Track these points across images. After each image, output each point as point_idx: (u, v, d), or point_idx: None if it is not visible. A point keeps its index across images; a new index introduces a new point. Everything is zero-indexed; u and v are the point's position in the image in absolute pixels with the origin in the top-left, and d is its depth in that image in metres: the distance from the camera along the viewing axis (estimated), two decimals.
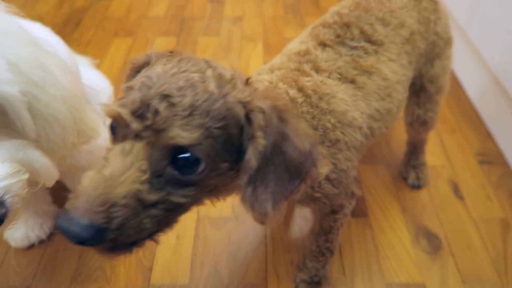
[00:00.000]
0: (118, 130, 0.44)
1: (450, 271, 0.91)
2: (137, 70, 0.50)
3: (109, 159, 0.42)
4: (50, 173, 0.60)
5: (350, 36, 0.70)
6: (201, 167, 0.43)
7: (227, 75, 0.47)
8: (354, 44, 0.69)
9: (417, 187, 1.06)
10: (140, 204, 0.41)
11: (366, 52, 0.69)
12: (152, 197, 0.42)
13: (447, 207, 1.03)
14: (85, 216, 0.39)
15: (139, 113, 0.41)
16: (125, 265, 0.90)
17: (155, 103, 0.41)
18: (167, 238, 0.95)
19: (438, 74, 0.86)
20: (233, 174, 0.47)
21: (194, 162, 0.42)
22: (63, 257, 0.92)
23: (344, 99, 0.63)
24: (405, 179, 1.08)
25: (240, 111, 0.45)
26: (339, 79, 0.65)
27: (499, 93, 1.18)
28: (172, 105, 0.41)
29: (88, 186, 0.41)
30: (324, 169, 0.51)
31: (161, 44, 1.57)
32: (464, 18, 1.32)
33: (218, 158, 0.44)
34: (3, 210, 0.50)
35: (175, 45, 1.57)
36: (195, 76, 0.44)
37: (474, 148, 1.19)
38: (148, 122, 0.41)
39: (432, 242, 0.96)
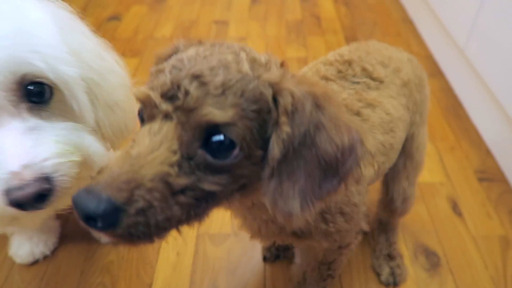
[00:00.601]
0: (146, 112, 0.41)
1: None
2: (164, 61, 0.47)
3: (136, 140, 0.39)
4: (103, 159, 0.59)
5: (352, 72, 0.69)
6: (236, 151, 0.39)
7: (262, 59, 0.44)
8: (356, 79, 0.68)
9: (392, 284, 0.91)
10: (168, 189, 0.37)
11: (369, 87, 0.68)
12: (181, 181, 0.38)
13: (446, 224, 1.03)
14: (105, 190, 0.35)
15: (169, 95, 0.39)
16: (126, 281, 0.92)
17: (185, 83, 0.38)
18: (167, 254, 0.97)
19: (423, 145, 0.83)
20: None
21: (228, 145, 0.39)
22: (66, 272, 0.94)
23: None
24: (378, 274, 0.93)
25: (269, 94, 0.40)
26: (345, 111, 0.65)
27: (498, 111, 1.20)
28: (203, 84, 0.38)
29: (113, 165, 0.37)
30: (369, 170, 0.45)
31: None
32: (463, 38, 1.34)
33: (253, 144, 0.40)
34: (47, 186, 0.49)
35: None
36: (229, 57, 0.41)
37: (473, 165, 1.19)
38: (179, 103, 0.38)
39: (431, 260, 0.96)
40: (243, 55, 0.42)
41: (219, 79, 0.39)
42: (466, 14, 1.31)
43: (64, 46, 0.55)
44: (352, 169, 0.42)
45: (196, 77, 0.39)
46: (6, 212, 0.50)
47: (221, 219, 1.05)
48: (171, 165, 0.37)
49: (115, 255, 0.97)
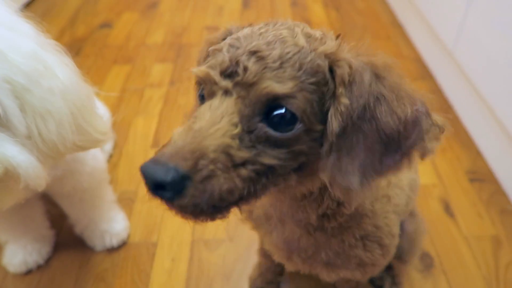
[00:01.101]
0: (206, 90, 0.42)
1: None
2: (217, 43, 0.47)
3: (197, 116, 0.40)
4: (31, 171, 0.56)
5: None
6: (296, 124, 0.39)
7: (317, 34, 0.43)
8: None
9: None
10: (230, 161, 0.38)
11: None
12: (242, 154, 0.38)
13: (438, 226, 1.04)
14: (171, 159, 0.36)
15: (228, 72, 0.40)
16: (121, 287, 0.92)
17: (243, 59, 0.39)
18: (162, 261, 0.97)
19: None
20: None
21: (289, 119, 0.39)
22: (60, 281, 0.93)
23: None
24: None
25: (325, 66, 0.40)
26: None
27: (488, 112, 1.21)
28: (261, 59, 0.39)
29: (177, 138, 0.38)
30: (434, 144, 0.42)
31: (158, 70, 1.62)
32: (451, 40, 1.36)
33: (313, 118, 0.40)
34: None
35: (172, 71, 1.61)
36: (284, 32, 0.41)
37: (464, 166, 1.21)
38: (238, 78, 0.39)
39: (424, 261, 0.97)
40: (298, 30, 0.42)
41: (276, 52, 0.39)
42: (453, 16, 1.33)
43: None
44: (416, 143, 0.40)
45: (254, 52, 0.39)
46: None
47: (216, 225, 1.05)
48: (233, 137, 0.38)
49: (110, 262, 0.97)
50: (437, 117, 0.44)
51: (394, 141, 0.40)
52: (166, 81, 1.56)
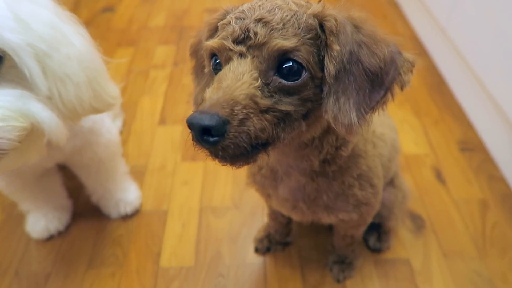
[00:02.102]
0: (222, 57, 0.49)
1: (432, 247, 0.99)
2: (216, 24, 0.54)
3: (220, 78, 0.47)
4: (54, 127, 0.62)
5: None
6: (302, 73, 0.47)
7: (302, 2, 0.52)
8: None
9: (378, 250, 0.98)
10: (256, 107, 0.45)
11: None
12: (265, 102, 0.46)
13: (430, 191, 1.12)
14: (212, 108, 0.43)
15: (240, 39, 0.47)
16: (136, 251, 0.99)
17: (252, 26, 0.47)
18: (173, 226, 1.04)
19: None
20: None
21: (296, 70, 0.47)
22: (79, 246, 1.01)
23: None
24: (365, 240, 1.00)
25: (316, 23, 0.48)
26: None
27: (478, 87, 1.27)
28: (266, 23, 0.47)
29: (210, 96, 0.45)
30: (409, 76, 0.51)
31: (162, 52, 1.67)
32: (444, 17, 1.41)
33: (315, 66, 0.48)
34: None
35: (175, 53, 1.67)
36: (278, 1, 0.50)
37: (456, 137, 1.27)
38: (251, 42, 0.47)
39: (416, 222, 1.04)
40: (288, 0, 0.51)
41: (278, 16, 0.47)
42: None
43: (8, 13, 0.57)
44: (395, 77, 0.49)
45: (259, 20, 0.47)
46: None
47: (222, 193, 1.12)
48: (255, 88, 0.46)
49: (125, 229, 1.04)
50: (408, 55, 0.52)
51: (377, 78, 0.48)
52: (170, 62, 1.62)
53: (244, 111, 0.44)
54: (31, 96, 0.61)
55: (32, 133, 0.61)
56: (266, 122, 0.46)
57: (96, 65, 0.71)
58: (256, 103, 0.45)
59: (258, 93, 0.46)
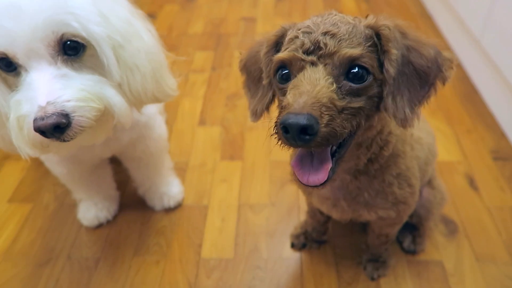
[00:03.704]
0: (295, 67, 0.54)
1: (465, 251, 1.01)
2: (275, 40, 0.61)
3: (297, 84, 0.52)
4: (123, 111, 0.69)
5: None
6: (367, 76, 0.53)
7: (351, 17, 0.58)
8: None
9: (412, 251, 1.01)
10: (336, 108, 0.51)
11: None
12: (340, 103, 0.52)
13: (463, 197, 1.14)
14: (304, 109, 0.48)
15: (310, 50, 0.53)
16: (178, 241, 1.05)
17: (321, 38, 0.53)
18: (213, 220, 1.10)
19: None
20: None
21: (361, 75, 0.53)
22: (126, 234, 1.08)
23: None
24: (400, 242, 1.03)
25: (371, 33, 0.55)
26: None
27: None
28: (334, 35, 0.53)
29: (294, 98, 0.51)
30: (450, 72, 0.57)
31: (200, 57, 1.75)
32: (479, 29, 1.44)
33: (377, 69, 0.54)
34: (63, 121, 0.60)
35: (213, 58, 1.74)
36: (336, 17, 0.56)
37: (488, 146, 1.29)
38: (322, 52, 0.53)
39: (449, 227, 1.07)
40: (342, 15, 0.58)
41: (343, 29, 0.54)
42: (481, 5, 1.41)
43: (93, 8, 0.65)
44: (438, 75, 0.55)
45: (326, 33, 0.53)
46: (34, 137, 0.62)
47: (259, 191, 1.18)
48: (332, 92, 0.51)
49: (168, 220, 1.11)
50: (447, 53, 0.59)
51: (425, 76, 0.55)
52: (208, 67, 1.70)
53: (329, 111, 0.50)
54: (106, 82, 0.68)
55: (104, 115, 0.68)
56: (344, 120, 0.52)
57: (160, 58, 0.78)
58: (335, 104, 0.51)
59: (335, 96, 0.51)
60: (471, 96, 1.49)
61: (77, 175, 0.98)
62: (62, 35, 0.62)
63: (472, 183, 1.18)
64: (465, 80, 1.57)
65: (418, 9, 2.03)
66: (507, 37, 1.27)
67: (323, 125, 0.49)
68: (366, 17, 0.59)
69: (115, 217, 1.12)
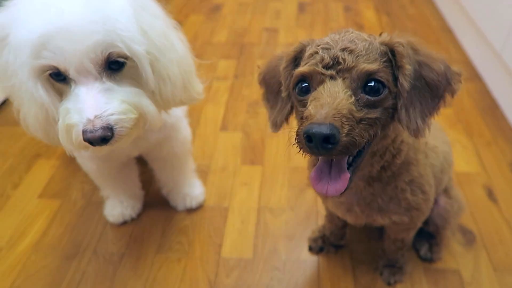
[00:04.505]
0: (315, 81, 0.58)
1: (483, 260, 1.02)
2: (294, 55, 0.64)
3: (317, 97, 0.55)
4: (155, 117, 0.76)
5: None
6: (384, 89, 0.56)
7: (366, 34, 0.62)
8: None
9: (429, 259, 1.02)
10: (354, 119, 0.54)
11: None
12: (359, 114, 0.54)
13: (481, 208, 1.15)
14: (327, 119, 0.51)
15: (330, 65, 0.56)
16: (200, 241, 1.09)
17: (339, 54, 0.56)
18: (233, 222, 1.13)
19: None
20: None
21: (377, 88, 0.56)
22: (150, 232, 1.12)
23: None
24: (417, 250, 1.05)
25: (386, 49, 0.58)
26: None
27: None
28: (352, 51, 0.56)
29: (316, 109, 0.53)
30: (458, 85, 0.60)
31: (223, 65, 1.80)
32: (500, 43, 1.45)
33: (392, 83, 0.57)
34: (109, 134, 0.68)
35: (236, 66, 1.79)
36: (353, 35, 0.59)
37: (508, 159, 1.30)
38: (341, 67, 0.56)
39: (467, 236, 1.08)
40: (358, 32, 0.61)
41: (360, 46, 0.57)
42: (502, 20, 1.43)
43: (136, 27, 0.71)
44: (447, 88, 0.59)
45: (345, 49, 0.57)
46: (81, 142, 0.69)
47: (279, 196, 1.21)
48: (351, 104, 0.54)
49: (190, 220, 1.15)
50: (455, 68, 0.61)
51: (435, 89, 0.58)
52: (231, 75, 1.75)
53: (349, 122, 0.53)
54: (142, 93, 0.74)
55: (139, 121, 0.74)
56: (362, 130, 0.55)
57: (189, 66, 0.84)
58: (353, 115, 0.54)
59: (354, 107, 0.54)
60: (492, 110, 1.50)
61: (106, 172, 1.03)
62: (109, 54, 0.68)
63: (490, 194, 1.19)
64: (485, 93, 1.58)
65: (439, 22, 2.05)
66: None
67: (343, 134, 0.52)
68: (380, 34, 0.63)
69: (139, 215, 1.16)
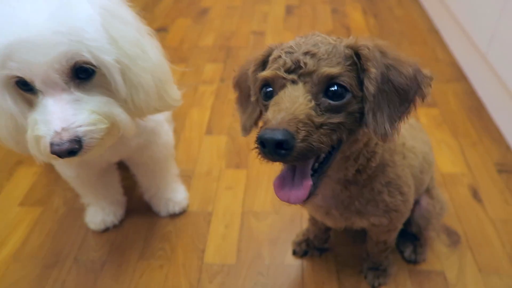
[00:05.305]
0: (277, 85, 0.57)
1: (468, 262, 1.01)
2: (262, 59, 0.63)
3: (278, 101, 0.54)
4: (128, 125, 0.75)
5: None
6: (347, 94, 0.55)
7: (334, 38, 0.60)
8: None
9: (414, 261, 1.01)
10: (313, 125, 0.53)
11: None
12: (319, 119, 0.53)
13: (466, 209, 1.14)
14: (281, 125, 0.50)
15: (291, 69, 0.56)
16: (182, 246, 1.07)
17: (302, 58, 0.55)
18: (217, 227, 1.12)
19: None
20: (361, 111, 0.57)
21: (340, 92, 0.55)
22: (132, 239, 1.10)
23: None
24: (401, 252, 1.04)
25: (351, 52, 0.57)
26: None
27: None
28: (314, 55, 0.55)
29: (274, 114, 0.52)
30: (428, 89, 0.58)
31: (210, 69, 1.79)
32: (485, 44, 1.45)
33: (356, 87, 0.56)
34: (77, 146, 0.66)
35: (222, 70, 1.78)
36: (318, 38, 0.59)
37: (494, 159, 1.29)
38: (302, 71, 0.55)
39: (451, 237, 1.07)
40: (324, 35, 0.60)
41: (322, 49, 0.56)
42: (487, 21, 1.43)
43: (105, 36, 0.68)
44: (417, 92, 0.57)
45: (307, 52, 0.56)
46: (49, 154, 0.68)
47: (263, 199, 1.19)
48: (310, 109, 0.53)
49: (173, 226, 1.13)
50: (426, 71, 0.60)
51: (404, 93, 0.57)
52: (217, 78, 1.73)
53: (306, 128, 0.52)
54: (113, 102, 0.73)
55: (111, 130, 0.73)
56: (322, 135, 0.54)
57: (164, 74, 0.81)
58: (312, 121, 0.53)
59: (313, 112, 0.53)
60: (477, 110, 1.50)
61: (86, 179, 1.01)
62: (75, 63, 0.67)
63: (476, 195, 1.18)
64: (471, 94, 1.58)
65: (426, 24, 2.06)
66: None
67: (299, 140, 0.51)
68: (349, 36, 0.62)
69: (121, 221, 1.15)
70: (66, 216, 1.17)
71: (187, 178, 1.27)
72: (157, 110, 0.83)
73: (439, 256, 1.03)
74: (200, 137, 1.43)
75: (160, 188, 1.12)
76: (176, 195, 1.15)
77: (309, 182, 0.57)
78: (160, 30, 2.11)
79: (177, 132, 1.45)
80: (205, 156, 1.35)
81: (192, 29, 2.12)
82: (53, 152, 0.66)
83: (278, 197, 0.57)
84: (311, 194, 0.57)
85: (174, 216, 1.15)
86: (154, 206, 1.16)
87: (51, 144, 0.65)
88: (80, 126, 0.67)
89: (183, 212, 1.16)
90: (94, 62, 0.67)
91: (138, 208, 1.19)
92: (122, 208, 1.15)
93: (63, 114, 0.66)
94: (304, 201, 0.56)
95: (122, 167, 1.17)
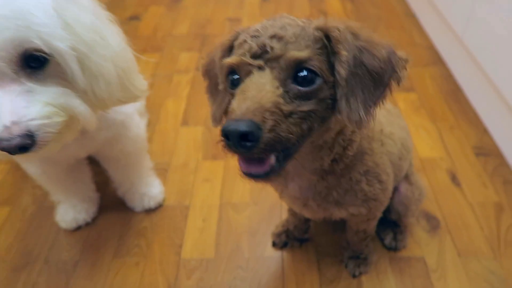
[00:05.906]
0: (242, 72, 0.53)
1: (447, 246, 1.01)
2: (229, 44, 0.59)
3: (244, 90, 0.51)
4: (88, 118, 0.70)
5: None
6: (318, 79, 0.52)
7: (303, 19, 0.57)
8: None
9: (394, 248, 1.01)
10: (282, 113, 0.49)
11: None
12: (288, 107, 0.50)
13: (445, 193, 1.14)
14: (245, 115, 0.47)
15: (258, 54, 0.52)
16: (159, 242, 1.04)
17: (268, 42, 0.52)
18: (194, 221, 1.09)
19: None
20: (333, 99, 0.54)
21: (310, 78, 0.51)
22: (106, 237, 1.06)
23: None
24: (381, 239, 1.03)
25: (321, 35, 0.53)
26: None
27: (495, 93, 1.30)
28: (281, 38, 0.52)
29: (238, 106, 0.49)
30: (404, 72, 0.55)
31: (185, 58, 1.74)
32: (461, 27, 1.45)
33: (327, 72, 0.52)
34: (29, 142, 0.61)
35: (197, 59, 1.73)
36: (286, 20, 0.55)
37: (471, 142, 1.29)
38: (268, 56, 0.51)
39: (431, 223, 1.06)
40: (293, 17, 0.56)
41: (290, 32, 0.53)
42: (463, 5, 1.42)
43: (58, 21, 0.63)
44: (392, 75, 0.54)
45: (274, 36, 0.52)
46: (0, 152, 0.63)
47: (242, 190, 1.16)
48: (278, 96, 0.50)
49: (149, 221, 1.09)
50: (401, 53, 0.57)
51: (378, 77, 0.54)
52: (193, 67, 1.69)
53: (273, 117, 0.48)
54: (71, 93, 0.68)
55: (69, 123, 0.68)
56: (291, 125, 0.50)
57: (127, 62, 0.77)
58: (280, 109, 0.49)
59: (281, 100, 0.50)
60: (455, 94, 1.50)
61: (53, 176, 0.96)
62: (25, 50, 0.61)
63: (454, 179, 1.18)
64: (448, 78, 1.57)
65: (403, 8, 2.04)
66: (488, 35, 1.27)
67: (266, 131, 0.47)
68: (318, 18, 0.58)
69: (94, 219, 1.10)
70: (35, 215, 1.12)
71: (162, 171, 1.23)
72: (121, 102, 0.78)
73: (419, 242, 1.02)
74: (176, 129, 1.39)
75: (134, 182, 1.08)
76: (151, 189, 1.11)
77: (271, 158, 0.52)
78: (133, 19, 2.04)
79: (152, 123, 1.40)
80: (181, 148, 1.31)
81: (166, 17, 2.06)
82: (1, 148, 0.61)
83: (240, 169, 0.53)
84: (273, 172, 0.52)
85: (149, 211, 1.12)
86: (129, 202, 1.12)
87: (0, 140, 0.60)
88: (33, 119, 0.61)
89: (159, 207, 1.13)
90: (46, 50, 0.62)
91: (112, 204, 1.14)
92: (94, 205, 1.11)
93: (12, 106, 0.61)
94: (266, 177, 0.52)
95: (94, 162, 1.12)
